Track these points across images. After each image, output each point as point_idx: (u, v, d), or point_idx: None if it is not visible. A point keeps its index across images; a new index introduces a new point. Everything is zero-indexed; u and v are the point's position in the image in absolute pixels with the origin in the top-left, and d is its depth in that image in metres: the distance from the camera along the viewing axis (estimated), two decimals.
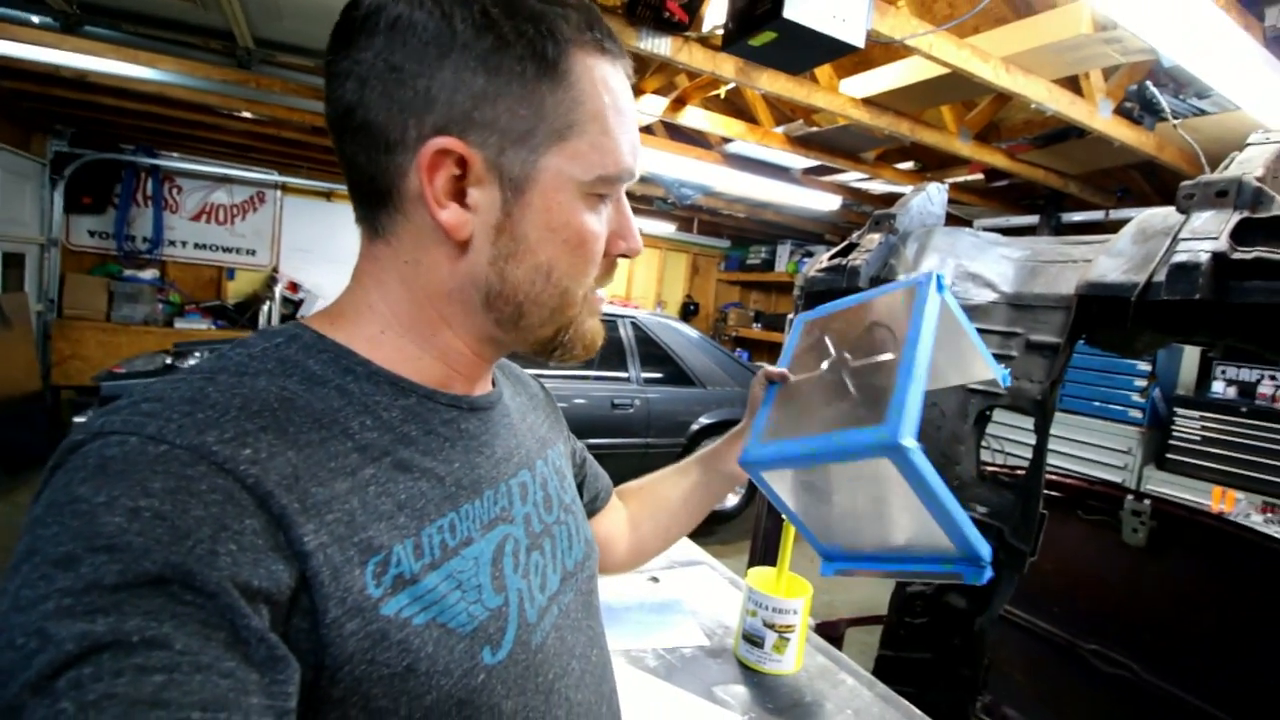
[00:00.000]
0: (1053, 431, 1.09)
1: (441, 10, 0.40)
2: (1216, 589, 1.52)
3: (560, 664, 0.49)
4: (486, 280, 0.45)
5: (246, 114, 3.62)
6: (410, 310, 0.46)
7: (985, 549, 0.54)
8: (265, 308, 5.24)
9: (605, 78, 0.45)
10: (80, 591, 0.28)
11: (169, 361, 3.17)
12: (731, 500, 4.23)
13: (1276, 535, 1.52)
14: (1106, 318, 1.00)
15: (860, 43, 1.65)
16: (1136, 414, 3.77)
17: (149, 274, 5.13)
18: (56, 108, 4.08)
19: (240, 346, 0.42)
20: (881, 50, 2.19)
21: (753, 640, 1.04)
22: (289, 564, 0.33)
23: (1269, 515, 3.14)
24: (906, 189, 2.73)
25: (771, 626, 1.02)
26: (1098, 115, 2.46)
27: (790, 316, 0.98)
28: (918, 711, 0.97)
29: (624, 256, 0.51)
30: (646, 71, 2.80)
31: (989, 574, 0.55)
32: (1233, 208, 0.89)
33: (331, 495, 0.37)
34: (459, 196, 0.43)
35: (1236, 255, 0.83)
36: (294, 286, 5.53)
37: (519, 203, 0.43)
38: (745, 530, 4.01)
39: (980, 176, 3.65)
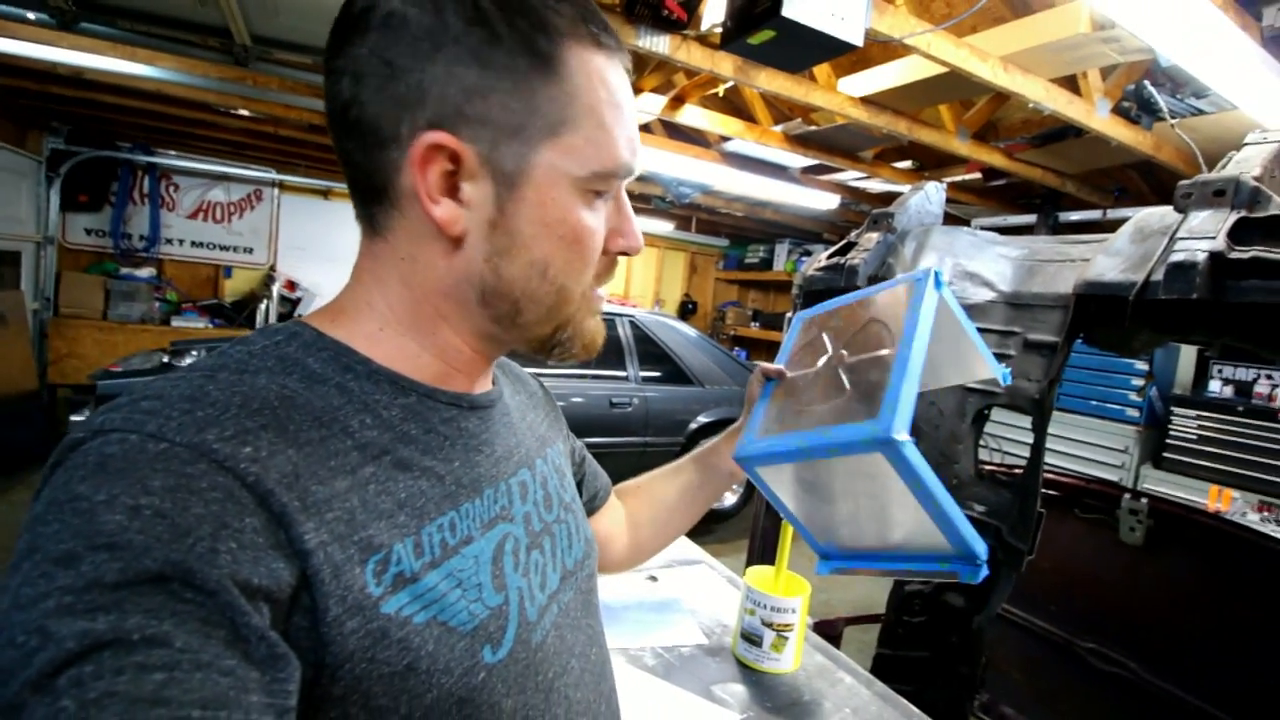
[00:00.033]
0: (1050, 430, 1.09)
1: (434, 5, 0.40)
2: (1213, 587, 1.53)
3: (560, 662, 0.49)
4: (482, 277, 0.45)
5: (244, 111, 3.61)
6: (408, 307, 0.46)
7: (981, 546, 0.54)
8: (262, 306, 5.23)
9: (601, 72, 0.44)
10: (81, 589, 0.28)
11: (166, 360, 3.16)
12: (730, 499, 4.23)
13: (1273, 534, 1.53)
14: (1104, 317, 1.00)
15: (859, 41, 1.65)
16: (1134, 413, 3.78)
17: (146, 272, 5.12)
18: (53, 105, 4.07)
19: (240, 344, 0.42)
20: (880, 49, 2.19)
21: (751, 639, 1.04)
22: (289, 562, 0.33)
23: (1265, 514, 3.15)
24: (904, 188, 2.73)
25: (770, 625, 1.02)
26: (1095, 114, 2.47)
27: (788, 315, 0.98)
28: (916, 710, 0.97)
29: (624, 254, 0.50)
30: (645, 70, 2.80)
31: (984, 572, 0.55)
32: (1230, 207, 0.89)
33: (332, 493, 0.37)
34: (453, 192, 0.43)
35: (1234, 254, 0.83)
36: (291, 285, 5.52)
37: (513, 198, 0.43)
38: (744, 529, 4.01)
39: (978, 175, 3.66)
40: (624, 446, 3.71)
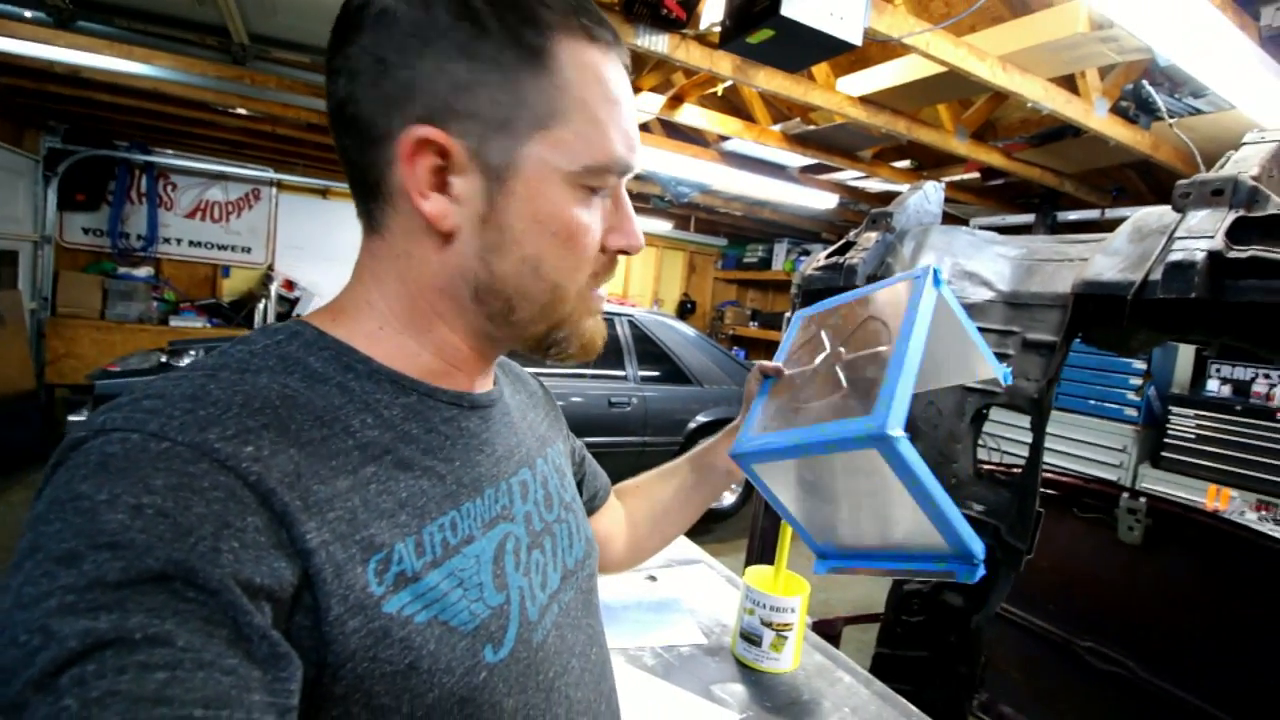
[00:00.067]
0: (1049, 430, 1.09)
1: (423, 1, 0.40)
2: (1211, 586, 1.53)
3: (561, 662, 0.49)
4: (475, 273, 0.45)
5: (241, 110, 3.60)
6: (406, 305, 0.46)
7: (977, 545, 0.54)
8: (260, 306, 5.22)
9: (594, 65, 0.44)
10: (83, 589, 0.28)
11: (164, 360, 3.16)
12: (729, 498, 4.23)
13: (1271, 533, 1.53)
14: (1102, 316, 1.00)
15: (858, 40, 1.64)
16: (1132, 412, 3.78)
17: (143, 272, 5.11)
18: (50, 104, 4.05)
19: (242, 343, 0.42)
20: (879, 48, 2.19)
21: (750, 638, 1.04)
22: (291, 561, 0.33)
23: (1263, 513, 3.16)
24: (903, 187, 2.74)
25: (769, 625, 1.02)
26: (1094, 114, 2.47)
27: (787, 315, 0.98)
28: (915, 709, 0.97)
29: (623, 253, 0.49)
30: (643, 69, 2.79)
31: (981, 572, 0.54)
32: (1228, 206, 0.89)
33: (333, 493, 0.37)
34: (443, 187, 0.43)
35: (1232, 254, 0.83)
36: (289, 284, 5.51)
37: (502, 192, 0.43)
38: (743, 528, 4.01)
39: (976, 175, 3.66)
40: (623, 446, 3.71)
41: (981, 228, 2.55)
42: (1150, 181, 3.62)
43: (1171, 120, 2.49)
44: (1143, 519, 1.60)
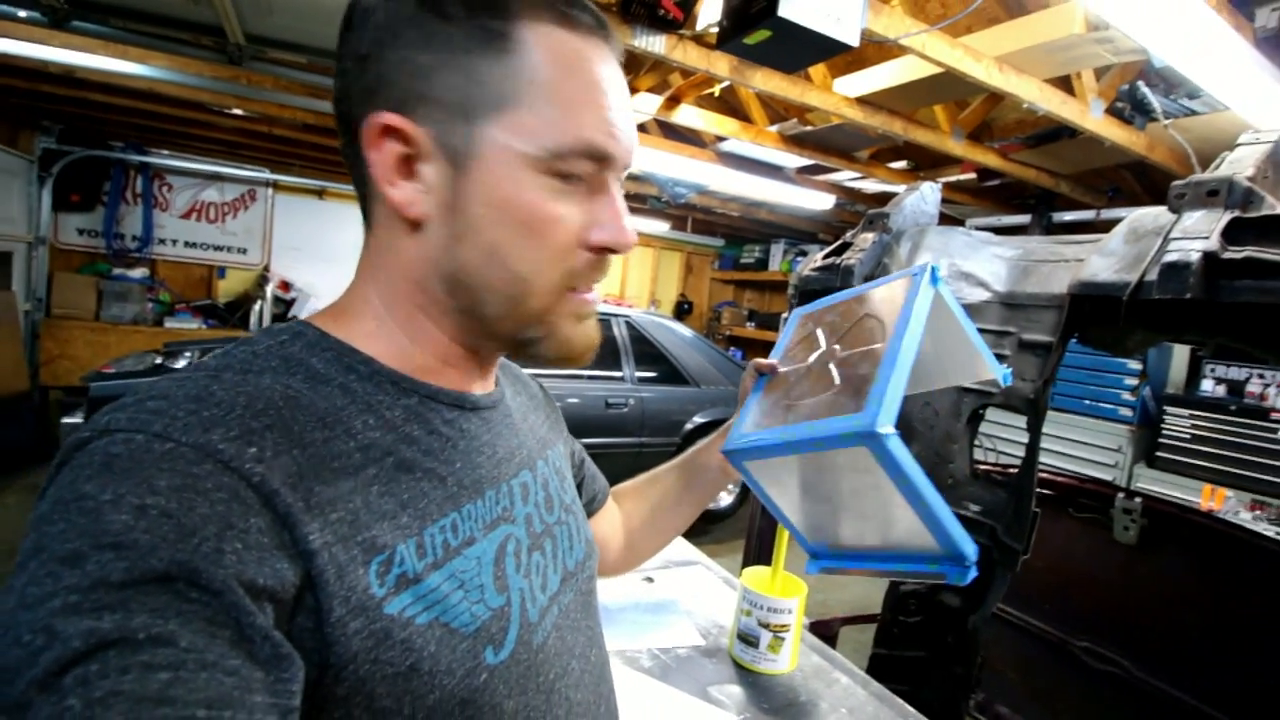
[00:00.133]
0: (1044, 430, 1.09)
1: None
2: (1206, 586, 1.53)
3: (561, 664, 0.49)
4: (443, 264, 0.44)
5: (237, 111, 3.59)
6: (393, 300, 0.46)
7: (969, 546, 0.53)
8: (256, 307, 5.19)
9: (564, 48, 0.42)
10: (87, 589, 0.28)
11: (159, 361, 3.14)
12: (726, 499, 4.24)
13: (1265, 532, 1.54)
14: (1098, 317, 1.00)
15: (854, 41, 1.65)
16: (1127, 412, 3.79)
17: (138, 273, 5.08)
18: (44, 104, 4.03)
19: (245, 344, 0.42)
20: (875, 49, 2.20)
21: (748, 640, 1.04)
22: (294, 563, 0.34)
23: (1258, 512, 3.17)
24: (900, 188, 2.74)
25: (766, 626, 1.02)
26: (1089, 115, 2.48)
27: (784, 315, 0.98)
28: (912, 710, 0.98)
29: (609, 250, 0.46)
30: (640, 69, 2.79)
31: (973, 573, 0.54)
32: (1223, 207, 0.90)
33: (335, 494, 0.37)
34: (413, 175, 0.43)
35: (1227, 255, 0.84)
36: (285, 285, 5.48)
37: (464, 178, 0.42)
38: (740, 529, 4.01)
39: (973, 176, 3.67)
40: (620, 447, 3.71)
41: (978, 228, 2.56)
42: (1145, 182, 3.63)
43: (1167, 121, 2.50)
44: (1138, 519, 1.60)
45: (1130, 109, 2.52)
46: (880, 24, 1.87)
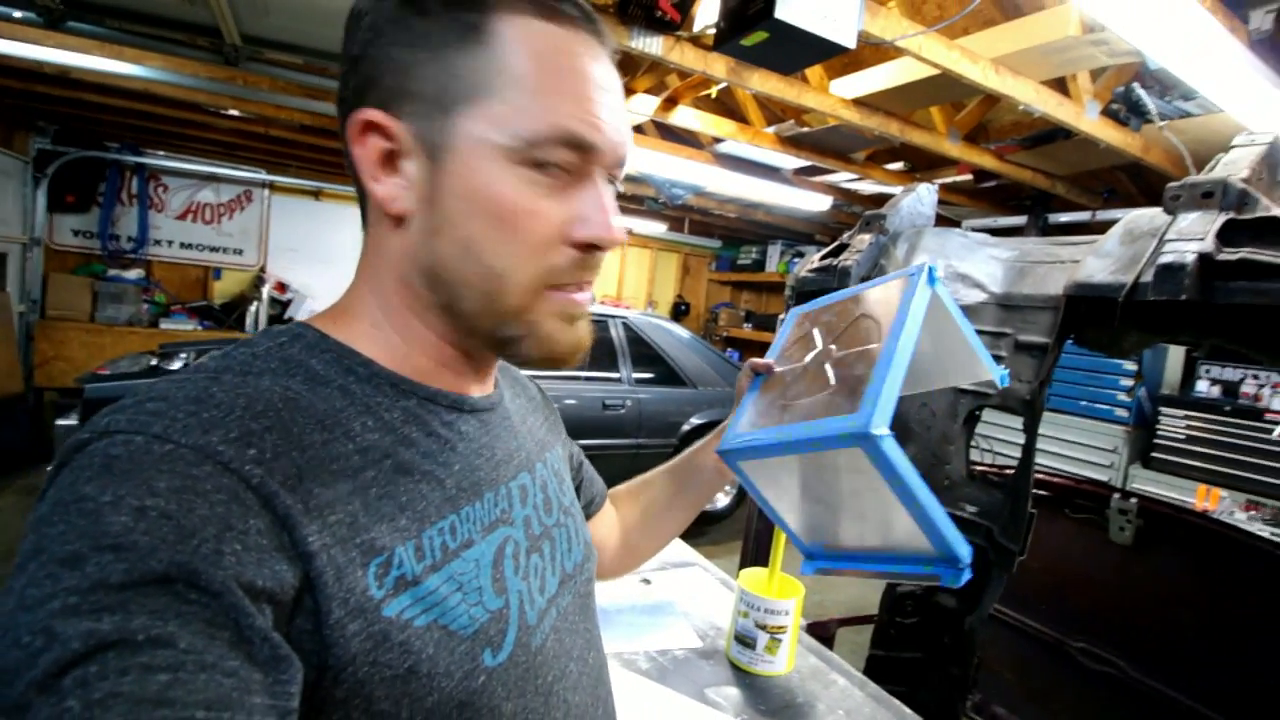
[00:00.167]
0: (1040, 431, 1.09)
1: None
2: (1202, 586, 1.54)
3: (559, 666, 0.49)
4: (422, 259, 0.44)
5: (234, 111, 3.58)
6: (388, 301, 0.46)
7: (963, 548, 0.52)
8: (252, 308, 5.17)
9: (542, 39, 0.42)
10: (86, 590, 0.28)
11: (154, 363, 3.13)
12: (722, 500, 4.24)
13: (1260, 532, 1.54)
14: (1094, 318, 1.01)
15: (851, 43, 1.65)
16: (1122, 413, 3.81)
17: (134, 274, 5.06)
18: (39, 104, 4.02)
19: (244, 346, 0.42)
20: (872, 51, 2.20)
21: (745, 641, 1.04)
22: (293, 564, 0.34)
23: (1253, 513, 3.19)
24: (896, 189, 2.74)
25: (763, 628, 1.02)
26: (1085, 117, 2.49)
27: (781, 316, 0.98)
28: (909, 711, 0.98)
29: (594, 246, 0.45)
30: (638, 71, 2.80)
31: (967, 575, 0.53)
32: (1218, 209, 0.90)
33: (334, 496, 0.37)
34: (396, 171, 0.44)
35: (1222, 256, 0.84)
36: (282, 286, 5.47)
37: (440, 171, 0.42)
38: (737, 531, 4.01)
39: (969, 177, 3.68)
40: (617, 448, 3.71)
41: (974, 229, 2.56)
42: (1141, 184, 3.65)
43: (1162, 123, 2.51)
44: (1133, 519, 1.61)
45: (1125, 111, 2.53)
46: (877, 26, 1.88)
